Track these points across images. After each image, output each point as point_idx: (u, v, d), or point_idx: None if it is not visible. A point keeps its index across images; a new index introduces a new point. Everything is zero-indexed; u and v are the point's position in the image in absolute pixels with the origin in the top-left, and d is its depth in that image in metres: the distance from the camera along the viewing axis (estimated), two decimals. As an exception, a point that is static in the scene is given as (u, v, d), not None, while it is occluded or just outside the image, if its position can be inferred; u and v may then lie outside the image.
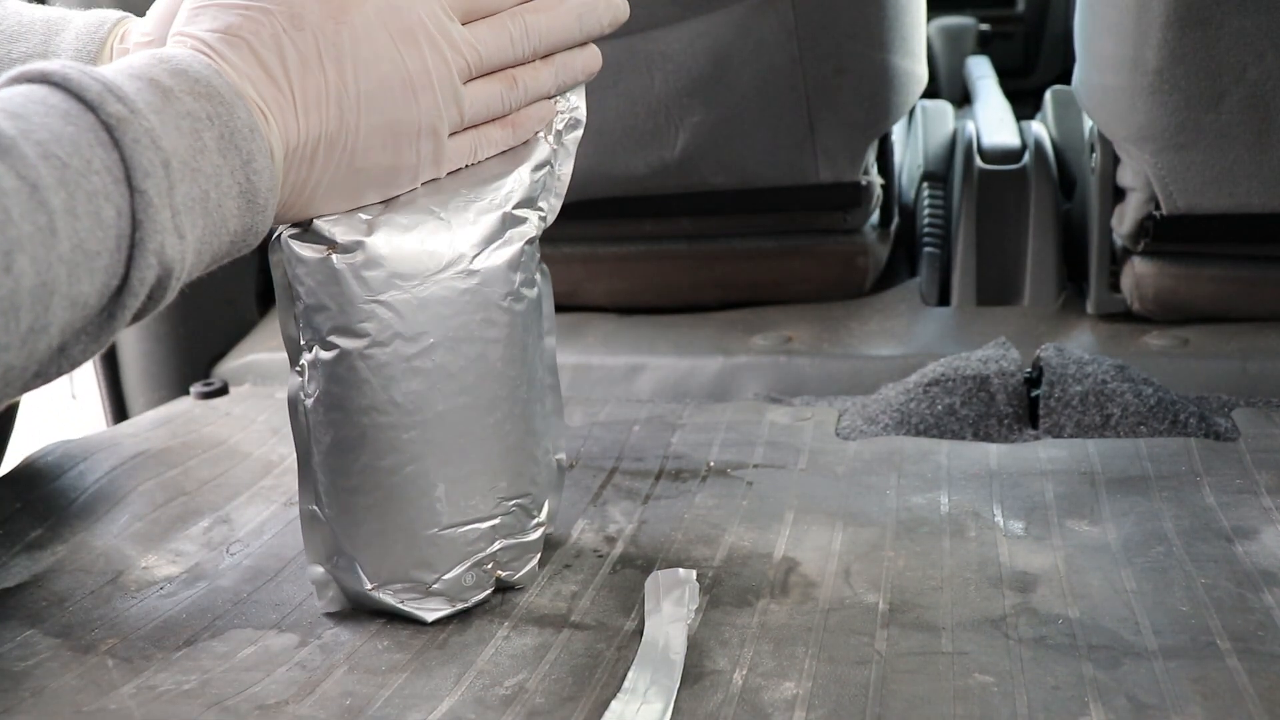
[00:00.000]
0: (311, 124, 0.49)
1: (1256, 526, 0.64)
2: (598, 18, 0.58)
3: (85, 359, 0.42)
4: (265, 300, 1.20)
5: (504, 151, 0.58)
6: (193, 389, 0.98)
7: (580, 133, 0.61)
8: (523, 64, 0.56)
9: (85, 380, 1.14)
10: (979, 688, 0.50)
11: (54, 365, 0.41)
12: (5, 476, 0.77)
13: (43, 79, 0.41)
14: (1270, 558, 0.60)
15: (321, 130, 0.49)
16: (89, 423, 1.15)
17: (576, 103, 0.61)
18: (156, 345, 1.09)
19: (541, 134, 0.59)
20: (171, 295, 0.44)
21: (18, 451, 0.81)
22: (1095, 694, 0.49)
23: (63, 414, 1.22)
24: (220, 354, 1.11)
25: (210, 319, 1.11)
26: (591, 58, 0.59)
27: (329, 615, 0.60)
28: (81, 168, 0.39)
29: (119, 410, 1.12)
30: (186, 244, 0.43)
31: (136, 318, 0.43)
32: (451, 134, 0.54)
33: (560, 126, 0.60)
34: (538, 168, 0.59)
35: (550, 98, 0.59)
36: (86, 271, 0.39)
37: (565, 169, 0.61)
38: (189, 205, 0.43)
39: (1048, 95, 1.30)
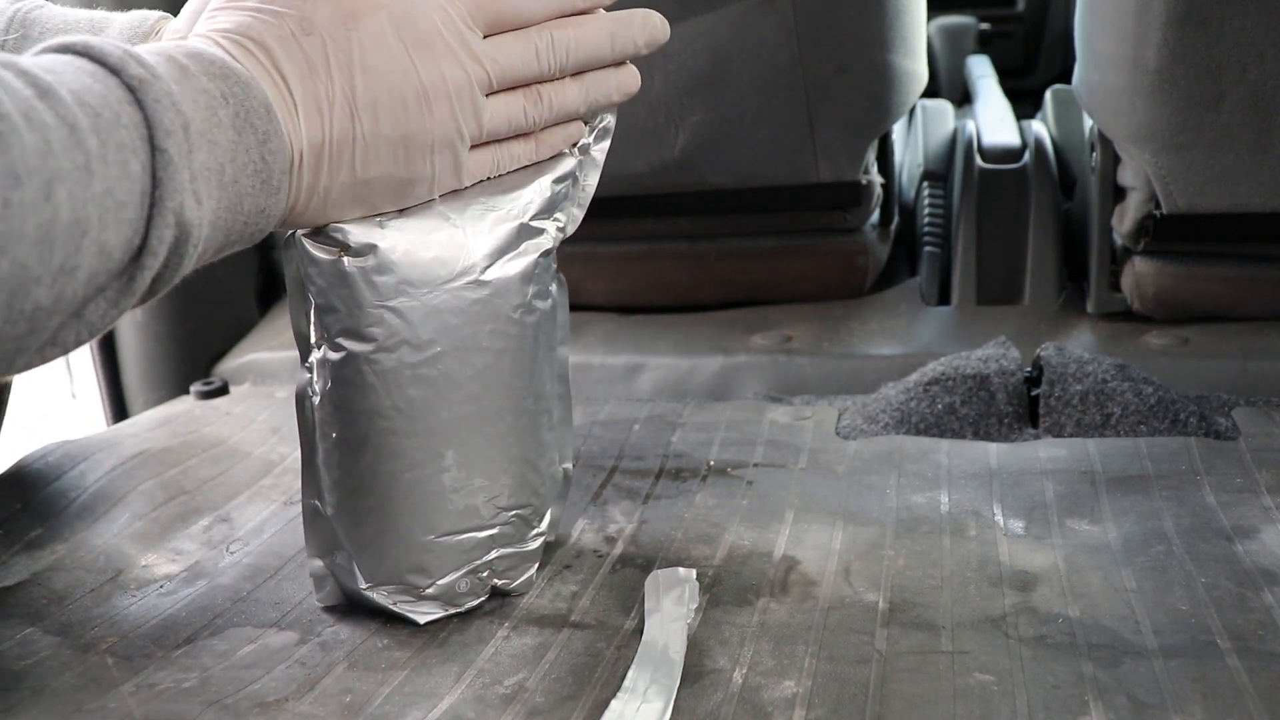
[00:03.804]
0: (313, 128, 0.48)
1: (1257, 526, 0.64)
2: (632, 37, 0.56)
3: (103, 326, 0.42)
4: (265, 299, 1.20)
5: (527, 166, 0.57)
6: (193, 388, 0.98)
7: (608, 143, 0.60)
8: (550, 80, 0.55)
9: (85, 380, 1.14)
10: (979, 687, 0.50)
11: (71, 330, 0.41)
12: (5, 476, 0.77)
13: (65, 49, 0.42)
14: (1270, 557, 0.60)
15: (325, 135, 0.49)
16: (89, 423, 1.15)
17: (605, 113, 0.60)
18: (156, 345, 1.09)
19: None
20: (188, 266, 0.44)
21: (18, 451, 0.81)
22: (1095, 693, 0.49)
23: (63, 414, 1.22)
24: (220, 354, 1.11)
25: (210, 319, 1.11)
26: (628, 78, 0.58)
27: (328, 612, 0.60)
28: (111, 119, 0.40)
29: (119, 410, 1.12)
30: (204, 211, 0.43)
31: (152, 291, 0.43)
32: (472, 147, 0.53)
33: (589, 139, 0.59)
34: (560, 180, 0.58)
35: (580, 118, 0.58)
36: (114, 220, 0.40)
37: (591, 180, 0.60)
38: (205, 174, 0.43)
39: (1048, 95, 1.30)
